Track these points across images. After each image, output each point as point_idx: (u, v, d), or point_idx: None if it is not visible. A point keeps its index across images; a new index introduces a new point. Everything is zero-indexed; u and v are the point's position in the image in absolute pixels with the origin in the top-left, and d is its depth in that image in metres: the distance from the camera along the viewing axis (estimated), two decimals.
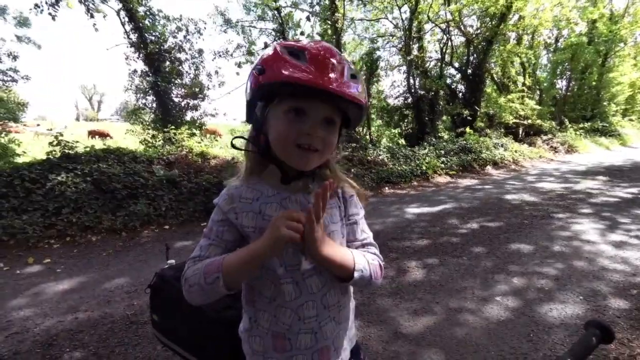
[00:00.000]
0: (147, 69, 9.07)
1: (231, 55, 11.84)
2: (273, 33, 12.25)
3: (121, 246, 4.31)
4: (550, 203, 6.00)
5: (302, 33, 11.94)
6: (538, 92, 19.29)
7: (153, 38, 8.93)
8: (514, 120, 14.89)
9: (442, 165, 9.53)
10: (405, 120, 13.60)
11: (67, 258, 3.93)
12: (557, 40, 20.67)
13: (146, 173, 5.69)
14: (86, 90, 78.59)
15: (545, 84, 20.70)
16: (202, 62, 10.08)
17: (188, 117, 9.87)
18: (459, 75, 14.91)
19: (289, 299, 0.78)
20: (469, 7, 13.06)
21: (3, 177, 4.76)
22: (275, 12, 11.63)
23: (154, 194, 5.40)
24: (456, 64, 14.77)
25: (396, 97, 14.39)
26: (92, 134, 17.13)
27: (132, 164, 5.84)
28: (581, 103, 21.32)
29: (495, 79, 16.39)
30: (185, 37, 9.54)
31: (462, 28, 13.83)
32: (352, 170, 7.75)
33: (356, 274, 0.77)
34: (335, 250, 0.76)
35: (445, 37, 13.92)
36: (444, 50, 14.17)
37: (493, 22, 12.92)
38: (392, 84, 14.69)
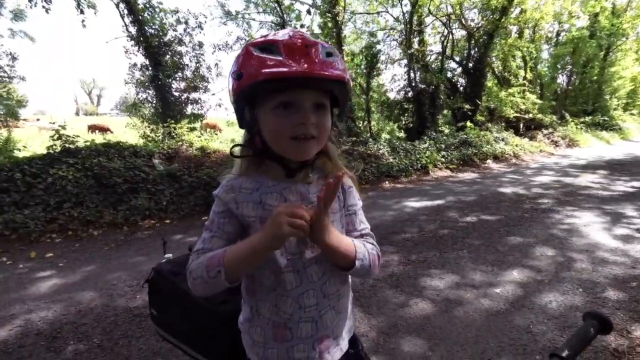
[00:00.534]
0: (147, 63, 9.01)
1: (231, 48, 11.79)
2: (273, 26, 12.16)
3: (122, 240, 4.34)
4: (550, 196, 6.01)
5: (302, 26, 11.84)
6: (539, 86, 19.18)
7: (153, 31, 8.86)
8: (515, 114, 14.82)
9: (443, 159, 9.53)
10: (406, 114, 13.52)
11: (69, 252, 3.96)
12: (558, 34, 20.53)
13: (147, 167, 5.70)
14: (85, 84, 78.29)
15: (546, 78, 20.58)
16: (202, 54, 10.03)
17: (188, 111, 9.83)
18: (459, 69, 14.85)
19: (290, 287, 0.79)
20: (470, 0, 12.96)
21: (4, 172, 4.77)
22: (276, 4, 11.53)
23: (155, 188, 5.41)
24: (457, 58, 14.69)
25: (397, 91, 14.31)
26: (92, 128, 17.07)
27: (133, 158, 5.84)
28: (582, 97, 21.20)
29: (496, 72, 16.31)
30: (185, 29, 9.48)
31: (463, 21, 13.73)
32: (352, 164, 7.72)
33: (357, 263, 0.78)
34: (340, 238, 0.77)
35: (446, 31, 13.84)
36: (444, 44, 14.08)
37: (494, 16, 12.82)
38: (393, 78, 14.58)
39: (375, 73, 13.35)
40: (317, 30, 11.70)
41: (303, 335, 0.81)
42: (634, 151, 13.42)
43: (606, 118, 19.95)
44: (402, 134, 13.07)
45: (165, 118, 8.53)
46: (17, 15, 10.05)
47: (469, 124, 12.49)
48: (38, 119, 24.50)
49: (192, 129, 8.52)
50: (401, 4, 12.51)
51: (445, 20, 13.45)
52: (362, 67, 12.81)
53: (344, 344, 0.90)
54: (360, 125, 12.34)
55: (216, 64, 10.44)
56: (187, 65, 9.77)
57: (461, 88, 14.54)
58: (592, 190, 6.49)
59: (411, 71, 12.74)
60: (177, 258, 1.32)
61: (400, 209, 5.50)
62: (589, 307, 2.52)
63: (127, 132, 10.04)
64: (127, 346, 2.22)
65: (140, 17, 8.57)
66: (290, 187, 0.81)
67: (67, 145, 5.62)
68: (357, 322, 2.40)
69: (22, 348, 2.22)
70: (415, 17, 12.24)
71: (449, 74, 14.74)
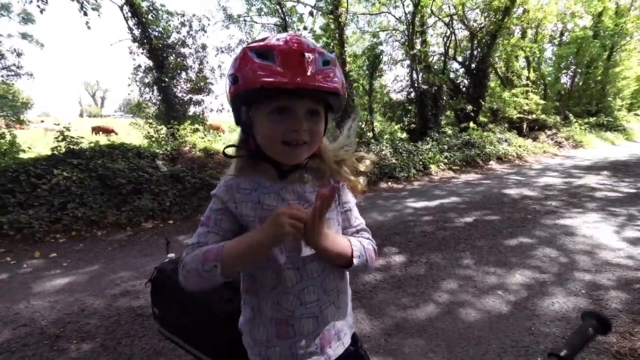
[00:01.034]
0: (150, 64, 9.07)
1: (233, 50, 11.82)
2: (275, 28, 12.18)
3: (126, 240, 4.36)
4: (553, 198, 5.98)
5: (304, 28, 11.86)
6: (542, 87, 19.05)
7: (156, 33, 8.92)
8: (518, 115, 14.74)
9: (445, 160, 9.50)
10: (408, 115, 13.48)
11: (73, 252, 3.99)
12: (562, 34, 20.39)
13: (150, 168, 5.73)
14: (89, 86, 78.68)
15: (549, 79, 20.45)
16: (205, 56, 10.08)
17: (191, 113, 9.88)
18: (462, 70, 14.77)
19: (291, 284, 0.81)
20: (473, 0, 12.91)
21: (9, 173, 4.81)
22: (278, 6, 11.56)
23: (158, 189, 5.44)
24: (460, 58, 14.63)
25: (399, 92, 14.27)
26: (96, 130, 17.17)
27: (136, 159, 5.89)
28: (586, 97, 21.06)
29: (499, 73, 16.22)
30: (188, 32, 9.53)
31: (466, 22, 13.68)
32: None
33: (355, 261, 0.81)
34: (334, 241, 0.79)
35: (448, 31, 13.78)
36: (447, 45, 14.03)
37: (497, 16, 12.76)
38: (395, 79, 14.54)
39: (377, 74, 13.34)
40: (319, 32, 11.72)
41: (305, 331, 0.83)
42: (639, 152, 13.32)
43: (610, 119, 19.82)
44: (404, 135, 13.03)
45: (168, 119, 8.58)
46: (25, 19, 10.12)
47: (471, 124, 12.44)
48: (42, 121, 24.70)
49: (196, 130, 8.56)
50: (403, 5, 12.49)
51: (447, 20, 13.41)
52: (365, 68, 12.81)
53: (347, 339, 0.91)
54: (362, 126, 12.34)
55: (219, 66, 10.50)
56: (191, 66, 9.83)
57: (464, 89, 14.47)
58: (596, 191, 6.45)
59: (414, 72, 12.71)
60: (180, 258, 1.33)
61: (402, 210, 5.49)
62: (591, 308, 2.50)
63: (131, 133, 10.12)
64: (129, 345, 2.23)
65: (144, 20, 8.63)
66: (287, 187, 0.83)
67: (71, 146, 5.67)
68: (358, 322, 2.40)
69: (25, 347, 2.24)
70: (417, 18, 12.21)
71: (452, 75, 14.68)
